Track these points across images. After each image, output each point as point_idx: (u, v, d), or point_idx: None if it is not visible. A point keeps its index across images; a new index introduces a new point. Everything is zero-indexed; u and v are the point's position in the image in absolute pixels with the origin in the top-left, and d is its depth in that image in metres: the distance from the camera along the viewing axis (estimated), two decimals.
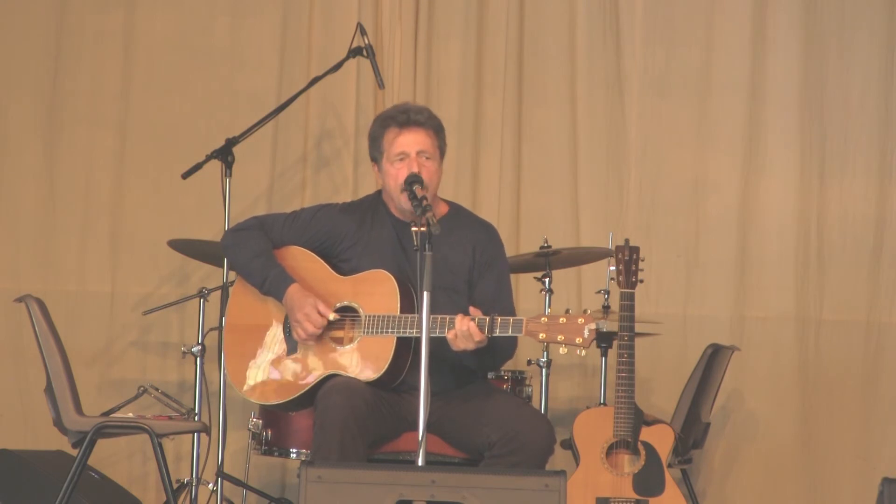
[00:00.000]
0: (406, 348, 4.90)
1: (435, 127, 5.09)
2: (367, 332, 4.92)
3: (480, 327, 4.75)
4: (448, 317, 4.78)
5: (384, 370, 4.89)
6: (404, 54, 6.88)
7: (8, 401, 6.77)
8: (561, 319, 4.71)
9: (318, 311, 4.93)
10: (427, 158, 5.03)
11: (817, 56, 6.85)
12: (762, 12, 6.86)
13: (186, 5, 6.92)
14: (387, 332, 4.88)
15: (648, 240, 6.73)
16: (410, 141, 5.03)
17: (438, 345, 4.78)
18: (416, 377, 4.51)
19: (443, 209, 5.17)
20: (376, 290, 4.95)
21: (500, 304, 5.04)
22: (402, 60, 6.88)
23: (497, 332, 4.76)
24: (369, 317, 4.93)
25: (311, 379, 4.96)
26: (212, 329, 6.13)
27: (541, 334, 4.71)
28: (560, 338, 4.69)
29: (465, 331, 4.73)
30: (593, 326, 4.67)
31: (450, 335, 4.76)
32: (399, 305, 4.91)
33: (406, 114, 5.06)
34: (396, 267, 5.00)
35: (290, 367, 5.02)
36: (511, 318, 4.76)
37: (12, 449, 5.98)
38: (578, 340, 4.68)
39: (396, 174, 5.01)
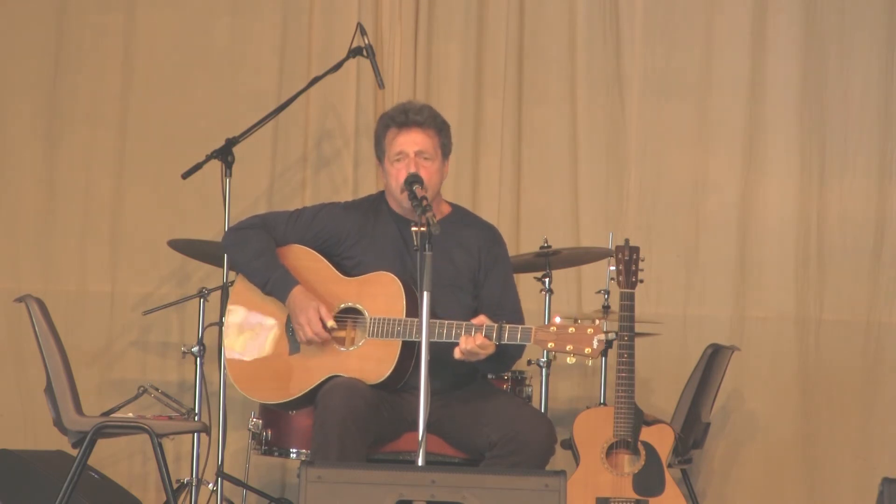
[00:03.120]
0: (410, 351, 4.89)
1: (437, 126, 5.08)
2: (372, 336, 4.91)
3: (488, 335, 4.74)
4: (454, 323, 4.77)
5: (388, 374, 4.88)
6: (404, 54, 6.88)
7: (8, 401, 6.77)
8: (570, 329, 4.70)
9: (319, 317, 4.92)
10: (425, 159, 5.02)
11: (817, 56, 6.85)
12: (762, 12, 6.86)
13: (186, 5, 6.92)
14: (392, 337, 4.87)
15: (648, 240, 6.73)
16: (409, 141, 5.03)
17: (440, 345, 4.78)
18: (416, 377, 4.51)
19: (445, 210, 5.17)
20: (381, 292, 4.94)
21: (506, 304, 5.04)
22: (402, 60, 6.88)
23: (505, 340, 4.76)
24: (374, 320, 4.92)
25: (314, 380, 4.95)
26: (211, 324, 6.11)
27: (549, 344, 4.71)
28: (569, 348, 4.69)
29: (469, 350, 4.74)
30: (603, 337, 4.66)
31: (456, 354, 4.76)
32: (405, 308, 4.90)
33: (405, 114, 5.06)
34: (400, 264, 4.99)
35: (293, 367, 5.01)
36: (519, 327, 4.75)
37: (12, 449, 5.98)
38: (587, 351, 4.67)
39: (396, 174, 5.01)
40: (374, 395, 4.85)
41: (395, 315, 4.89)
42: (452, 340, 4.77)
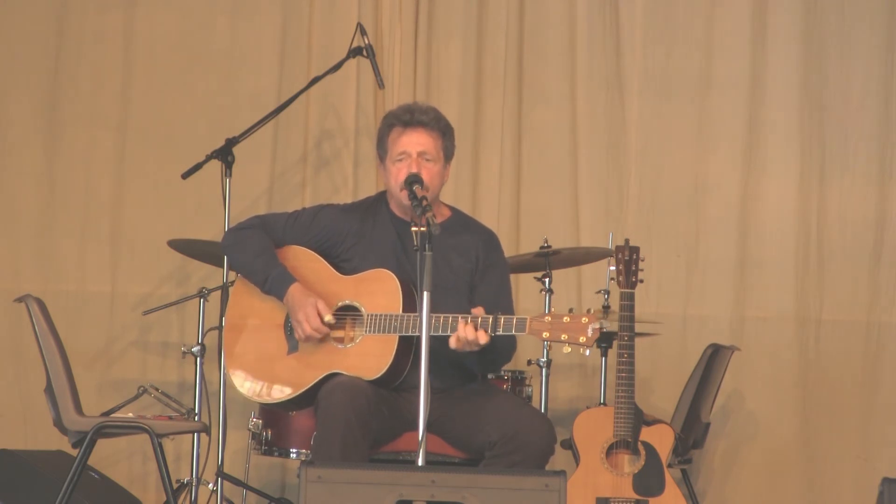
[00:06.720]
0: (408, 347, 4.90)
1: (441, 128, 5.06)
2: (370, 332, 4.91)
3: (483, 326, 4.74)
4: (451, 316, 4.77)
5: (385, 369, 4.88)
6: (404, 54, 6.89)
7: (8, 401, 6.77)
8: (565, 318, 4.70)
9: (318, 312, 4.92)
10: (427, 160, 5.01)
11: (817, 56, 6.85)
12: (762, 12, 6.86)
13: (186, 5, 6.92)
14: (389, 332, 4.88)
15: (648, 240, 6.73)
16: (412, 141, 5.02)
17: (439, 343, 4.78)
18: (416, 376, 4.51)
19: (445, 213, 5.17)
20: (378, 290, 4.95)
21: (501, 307, 5.03)
22: (402, 60, 6.88)
23: (500, 331, 4.76)
24: (371, 316, 4.92)
25: (313, 378, 4.95)
26: (212, 329, 6.13)
27: (544, 333, 4.71)
28: (564, 337, 4.69)
29: (465, 338, 4.73)
30: (597, 325, 4.67)
31: (452, 341, 4.76)
32: (401, 305, 4.90)
33: (410, 113, 5.05)
34: (398, 266, 4.99)
35: (291, 366, 5.01)
36: (514, 317, 4.76)
37: (12, 449, 5.98)
38: (582, 339, 4.68)
39: (397, 174, 5.01)
40: (375, 394, 4.85)
41: (393, 311, 4.89)
42: (450, 333, 4.77)
